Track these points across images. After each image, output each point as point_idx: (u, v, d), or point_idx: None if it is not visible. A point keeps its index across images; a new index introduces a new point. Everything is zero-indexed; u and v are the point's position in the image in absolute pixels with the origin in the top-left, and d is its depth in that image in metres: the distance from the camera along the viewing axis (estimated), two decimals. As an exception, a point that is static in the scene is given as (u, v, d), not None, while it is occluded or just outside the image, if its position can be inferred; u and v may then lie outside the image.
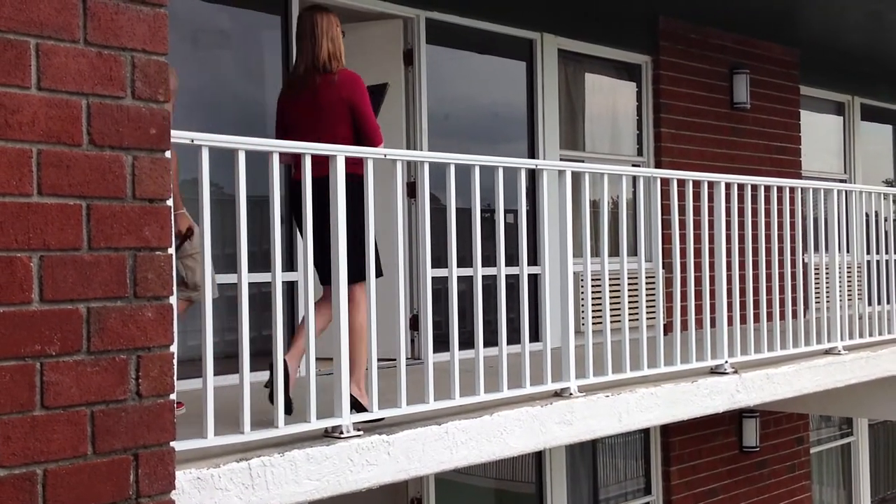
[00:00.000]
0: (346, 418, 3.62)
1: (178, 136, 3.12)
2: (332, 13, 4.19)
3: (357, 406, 3.78)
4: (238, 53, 5.91)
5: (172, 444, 2.81)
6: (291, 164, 4.06)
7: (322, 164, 3.67)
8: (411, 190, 6.29)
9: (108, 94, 2.68)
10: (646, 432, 8.17)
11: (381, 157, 3.86)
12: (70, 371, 2.60)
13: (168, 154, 2.81)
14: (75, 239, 2.62)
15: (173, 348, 2.83)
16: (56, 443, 2.57)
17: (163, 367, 2.78)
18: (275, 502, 3.35)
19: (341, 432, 3.60)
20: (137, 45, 2.74)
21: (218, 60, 5.79)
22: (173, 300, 2.83)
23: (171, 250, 2.83)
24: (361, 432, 3.65)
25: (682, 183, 5.22)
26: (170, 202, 2.82)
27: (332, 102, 4.06)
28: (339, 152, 3.67)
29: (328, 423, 3.60)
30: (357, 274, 3.78)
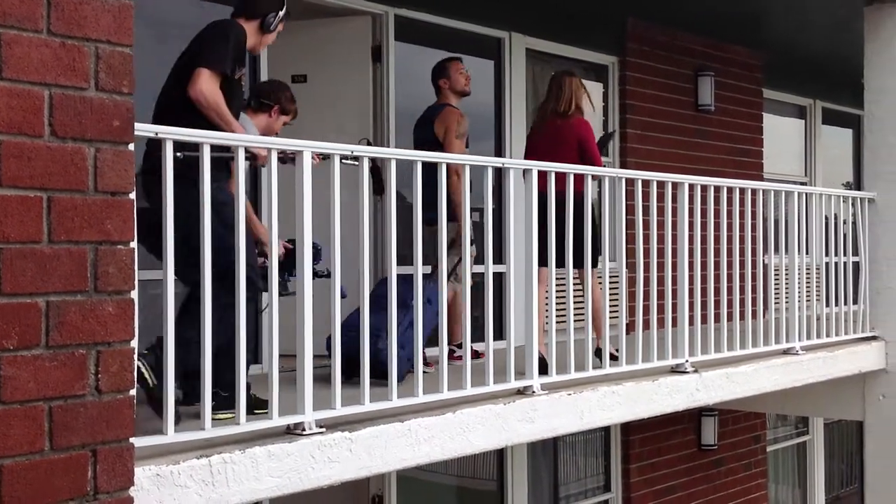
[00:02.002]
0: (309, 415, 3.61)
1: (142, 129, 3.09)
2: (577, 77, 5.83)
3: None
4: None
5: (132, 440, 2.79)
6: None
7: (559, 181, 4.75)
8: (378, 187, 6.27)
9: (71, 84, 2.65)
10: (606, 430, 8.24)
11: (349, 153, 3.85)
12: (28, 365, 2.56)
13: (132, 147, 2.78)
14: (35, 231, 2.59)
15: (134, 343, 2.80)
16: (13, 438, 2.53)
17: (123, 363, 2.75)
18: (235, 499, 3.33)
19: (303, 429, 3.59)
20: (102, 36, 2.70)
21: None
22: (135, 294, 2.80)
23: (134, 244, 2.80)
24: (324, 429, 3.64)
25: (646, 183, 5.26)
26: (132, 195, 2.79)
27: (568, 138, 5.60)
28: (305, 147, 3.66)
29: (290, 419, 3.58)
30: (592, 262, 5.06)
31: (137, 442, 2.85)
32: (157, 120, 4.02)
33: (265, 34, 4.33)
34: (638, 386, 5.02)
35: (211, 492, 3.24)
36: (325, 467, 3.59)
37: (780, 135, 10.51)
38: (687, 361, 5.36)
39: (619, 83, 8.39)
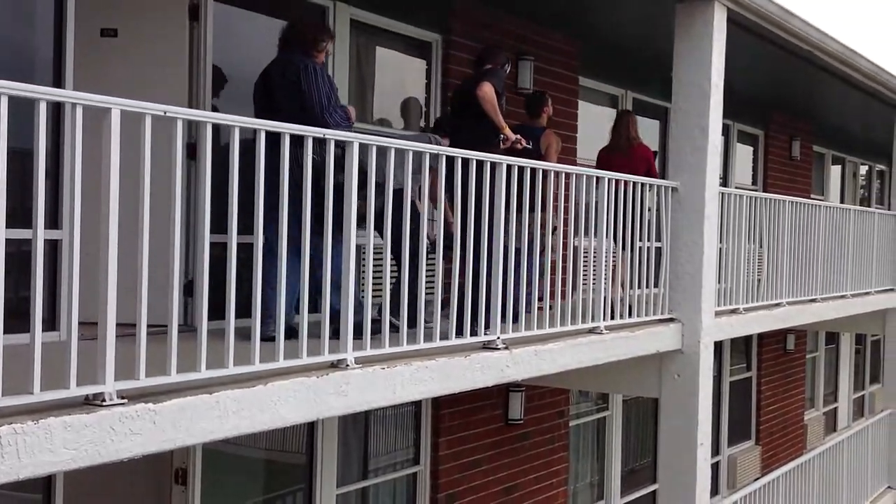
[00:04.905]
0: (110, 385, 3.44)
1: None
2: (634, 115, 8.75)
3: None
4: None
5: None
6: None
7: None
8: (191, 151, 6.04)
9: None
10: (418, 404, 8.33)
11: (161, 114, 3.68)
12: None
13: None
14: None
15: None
16: None
17: None
18: (27, 472, 3.14)
19: (103, 400, 3.42)
20: None
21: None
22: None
23: None
24: (126, 400, 3.48)
25: (465, 162, 5.32)
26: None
27: (640, 162, 8.15)
28: (114, 105, 3.47)
29: (89, 389, 3.41)
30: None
31: (-85, 413, 2.63)
32: (461, 134, 6.38)
33: None
34: (451, 361, 5.09)
35: (-1, 465, 3.04)
36: (125, 440, 3.44)
37: (594, 122, 10.90)
38: (498, 338, 5.49)
39: (443, 61, 8.44)
